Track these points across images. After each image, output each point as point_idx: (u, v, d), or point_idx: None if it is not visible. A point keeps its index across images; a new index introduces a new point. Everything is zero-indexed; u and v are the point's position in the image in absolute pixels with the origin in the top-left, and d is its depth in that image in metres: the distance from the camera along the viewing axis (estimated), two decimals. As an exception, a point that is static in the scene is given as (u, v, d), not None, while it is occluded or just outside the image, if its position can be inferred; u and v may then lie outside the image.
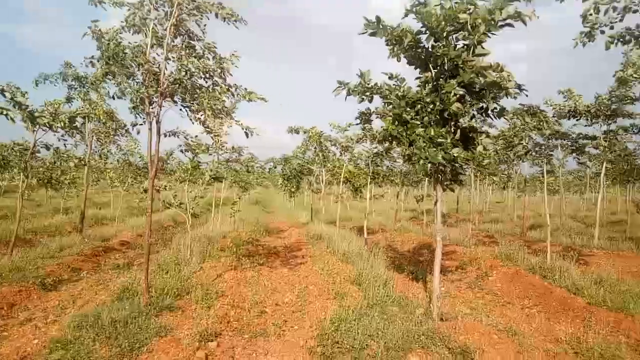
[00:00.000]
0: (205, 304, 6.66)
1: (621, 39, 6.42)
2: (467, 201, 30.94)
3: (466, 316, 5.94)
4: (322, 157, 15.10)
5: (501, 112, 5.44)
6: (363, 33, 5.48)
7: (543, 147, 9.14)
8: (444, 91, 5.10)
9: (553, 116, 10.77)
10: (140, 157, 15.51)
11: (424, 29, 5.47)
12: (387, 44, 5.59)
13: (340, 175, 12.69)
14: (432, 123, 5.40)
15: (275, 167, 16.21)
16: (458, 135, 5.31)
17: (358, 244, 10.93)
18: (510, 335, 5.38)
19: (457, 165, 5.50)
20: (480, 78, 5.02)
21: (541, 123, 9.47)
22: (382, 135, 5.39)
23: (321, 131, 12.69)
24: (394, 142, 5.30)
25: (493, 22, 5.07)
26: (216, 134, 12.24)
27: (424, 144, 5.02)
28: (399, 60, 5.81)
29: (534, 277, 8.28)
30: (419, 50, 5.53)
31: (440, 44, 5.43)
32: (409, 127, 5.24)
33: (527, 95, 5.79)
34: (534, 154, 9.38)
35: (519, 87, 5.22)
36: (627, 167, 13.62)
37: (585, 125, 11.20)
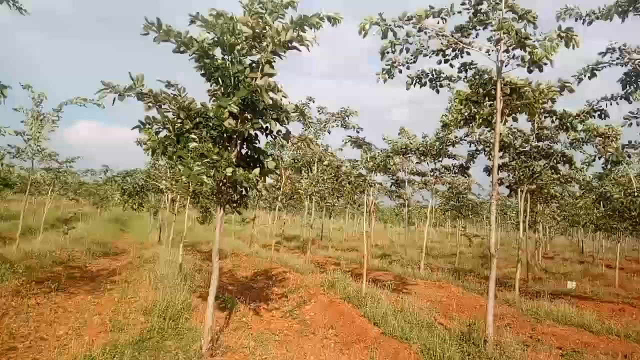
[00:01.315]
0: None
1: (418, 80, 6.87)
2: (337, 229, 31.85)
3: (245, 350, 5.54)
4: (172, 173, 14.11)
5: (286, 136, 5.29)
6: (145, 34, 4.98)
7: (366, 180, 9.45)
8: (220, 106, 4.78)
9: (390, 152, 11.38)
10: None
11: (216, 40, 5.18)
12: (174, 51, 5.15)
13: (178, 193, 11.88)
14: (213, 139, 5.04)
15: (112, 181, 14.59)
16: (235, 154, 5.00)
17: (184, 267, 10.15)
18: (281, 370, 5.07)
19: (239, 187, 5.19)
20: (257, 97, 4.80)
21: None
22: (148, 147, 4.85)
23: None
24: (162, 154, 4.80)
25: (279, 43, 4.95)
26: (32, 137, 10.69)
27: (192, 160, 4.59)
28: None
29: (347, 305, 8.30)
30: (208, 61, 5.18)
31: (228, 58, 5.16)
32: (181, 140, 4.79)
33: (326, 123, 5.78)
34: (357, 186, 9.67)
35: (302, 113, 5.12)
36: (457, 204, 15.06)
37: (416, 163, 12.04)
